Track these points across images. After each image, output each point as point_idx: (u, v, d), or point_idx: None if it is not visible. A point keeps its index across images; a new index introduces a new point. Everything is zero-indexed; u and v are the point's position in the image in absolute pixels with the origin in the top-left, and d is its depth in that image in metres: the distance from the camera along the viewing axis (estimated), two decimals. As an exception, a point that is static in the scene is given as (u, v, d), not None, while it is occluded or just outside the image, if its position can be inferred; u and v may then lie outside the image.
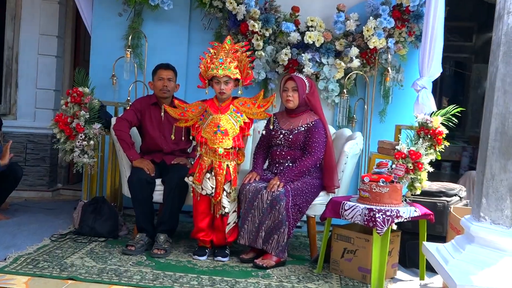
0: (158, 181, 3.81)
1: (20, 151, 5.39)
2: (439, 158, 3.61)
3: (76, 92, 4.09)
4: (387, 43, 4.43)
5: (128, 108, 4.12)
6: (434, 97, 4.30)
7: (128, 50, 4.58)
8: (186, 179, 3.62)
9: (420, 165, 3.46)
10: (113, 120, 4.02)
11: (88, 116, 4.07)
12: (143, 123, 3.99)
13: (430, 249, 2.71)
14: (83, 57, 5.84)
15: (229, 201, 3.56)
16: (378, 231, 3.07)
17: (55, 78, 5.53)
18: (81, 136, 4.02)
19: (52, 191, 5.50)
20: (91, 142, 4.05)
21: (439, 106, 5.82)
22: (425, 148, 3.52)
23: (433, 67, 4.08)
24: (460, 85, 9.96)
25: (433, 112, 3.74)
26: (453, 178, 7.03)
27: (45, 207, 4.87)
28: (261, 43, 4.51)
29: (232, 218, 3.60)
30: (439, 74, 4.17)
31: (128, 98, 4.57)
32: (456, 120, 3.61)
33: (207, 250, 3.65)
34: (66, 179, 5.85)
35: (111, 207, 4.05)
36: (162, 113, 3.72)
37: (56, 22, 5.49)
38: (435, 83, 4.37)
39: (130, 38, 4.65)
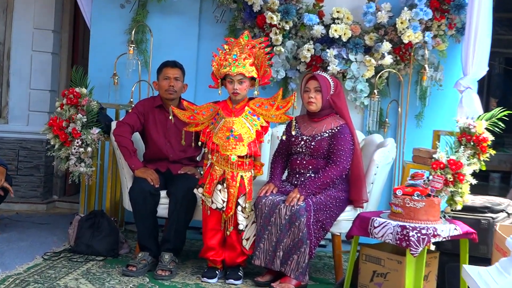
0: (163, 193, 3.84)
1: (12, 159, 5.45)
2: (484, 168, 3.58)
3: (73, 93, 4.15)
4: (423, 37, 4.41)
5: (130, 111, 4.17)
6: (481, 99, 4.27)
7: (131, 46, 4.64)
8: (195, 190, 3.64)
9: (461, 177, 3.44)
10: (113, 125, 4.06)
11: (86, 119, 4.12)
12: (147, 128, 4.03)
13: (471, 273, 2.68)
14: (82, 54, 5.93)
15: (244, 217, 3.56)
16: (412, 252, 3.04)
17: (50, 77, 5.62)
18: (77, 142, 4.07)
19: (47, 204, 5.57)
20: (89, 149, 4.10)
21: (487, 109, 5.78)
22: (467, 157, 3.49)
23: (478, 65, 4.05)
24: (511, 84, 9.84)
25: (478, 116, 3.71)
26: (503, 191, 6.96)
27: (38, 222, 4.92)
28: (280, 38, 4.53)
29: (251, 232, 3.59)
30: (484, 73, 4.14)
31: (131, 99, 4.62)
32: (503, 125, 3.57)
33: (217, 272, 3.65)
34: (63, 190, 5.91)
35: (110, 222, 4.09)
36: (171, 116, 3.67)
37: (52, 15, 5.57)
38: (481, 82, 4.34)
39: (133, 32, 4.70)
